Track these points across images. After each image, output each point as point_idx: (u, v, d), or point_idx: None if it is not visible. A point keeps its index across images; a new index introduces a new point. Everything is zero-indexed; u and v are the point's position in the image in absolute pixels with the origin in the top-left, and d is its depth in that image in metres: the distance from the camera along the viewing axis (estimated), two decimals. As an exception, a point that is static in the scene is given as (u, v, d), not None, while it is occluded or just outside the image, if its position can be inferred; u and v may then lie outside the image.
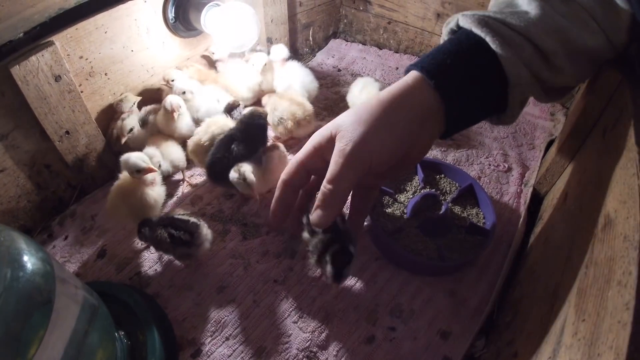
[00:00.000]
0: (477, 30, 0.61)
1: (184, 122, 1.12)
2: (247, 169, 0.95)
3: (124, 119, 1.08)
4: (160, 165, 1.03)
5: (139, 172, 0.93)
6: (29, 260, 0.58)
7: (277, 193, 0.73)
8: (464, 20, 0.63)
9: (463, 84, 0.62)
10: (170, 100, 1.06)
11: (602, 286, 0.43)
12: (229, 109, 1.14)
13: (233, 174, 0.95)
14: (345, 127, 0.62)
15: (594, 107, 0.79)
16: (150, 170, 0.92)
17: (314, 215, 0.65)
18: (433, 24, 1.47)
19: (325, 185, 0.63)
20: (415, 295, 0.92)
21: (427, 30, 1.49)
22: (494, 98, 0.64)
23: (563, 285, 0.56)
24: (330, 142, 0.64)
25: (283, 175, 0.71)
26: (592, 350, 0.35)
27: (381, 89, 1.26)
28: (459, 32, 0.66)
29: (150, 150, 1.04)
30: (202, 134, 1.06)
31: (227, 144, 1.01)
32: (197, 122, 1.15)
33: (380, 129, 0.61)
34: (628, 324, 0.32)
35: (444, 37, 0.71)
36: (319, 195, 0.64)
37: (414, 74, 0.64)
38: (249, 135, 1.02)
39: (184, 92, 1.13)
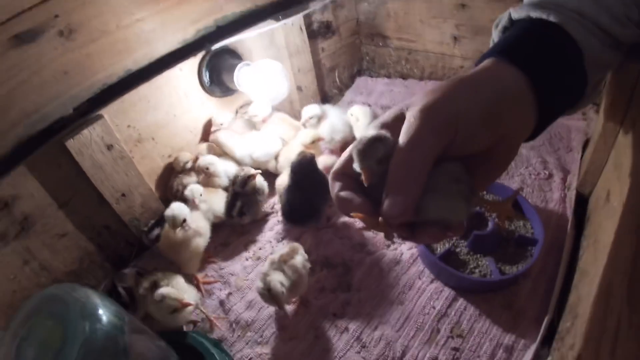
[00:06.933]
0: (535, 13, 0.57)
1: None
2: (274, 278, 0.90)
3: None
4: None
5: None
6: (105, 314, 0.63)
7: (333, 189, 0.51)
8: (518, 11, 0.60)
9: (538, 58, 0.53)
10: (191, 188, 1.11)
11: (650, 276, 0.44)
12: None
13: (258, 284, 0.91)
14: (418, 96, 0.49)
15: (620, 101, 0.79)
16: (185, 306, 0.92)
17: (385, 204, 0.45)
18: (452, 47, 1.51)
19: (395, 157, 0.46)
20: (474, 313, 0.92)
21: (447, 54, 1.53)
22: (572, 73, 0.57)
23: (615, 281, 0.55)
24: (398, 120, 0.48)
25: (335, 167, 0.52)
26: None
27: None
28: (515, 24, 0.61)
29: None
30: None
31: (298, 191, 1.09)
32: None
33: (464, 88, 0.48)
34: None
35: (495, 39, 0.66)
36: (388, 176, 0.46)
37: (482, 63, 0.54)
38: (306, 176, 1.09)
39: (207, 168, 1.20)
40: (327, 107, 1.39)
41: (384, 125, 0.49)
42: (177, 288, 0.93)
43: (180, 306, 0.89)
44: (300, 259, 0.95)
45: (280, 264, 0.93)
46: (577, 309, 0.74)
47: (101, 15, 0.97)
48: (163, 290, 0.90)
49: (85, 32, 0.96)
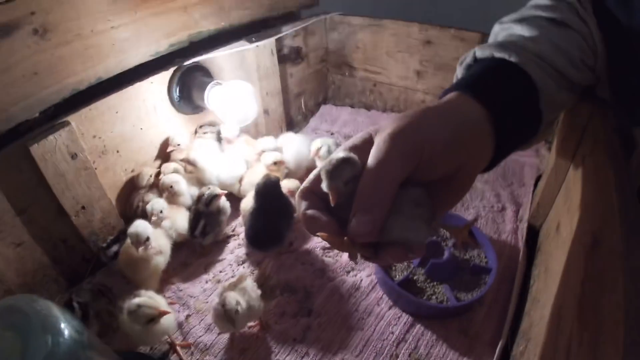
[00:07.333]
0: (499, 54, 0.61)
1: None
2: (230, 295, 0.88)
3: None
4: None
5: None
6: (66, 328, 0.61)
7: (300, 207, 0.52)
8: (482, 50, 0.65)
9: (498, 94, 0.57)
10: (153, 203, 1.10)
11: (598, 295, 0.48)
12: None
13: (214, 302, 0.91)
14: (387, 122, 0.51)
15: (571, 140, 0.86)
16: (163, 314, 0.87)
17: (353, 223, 0.46)
18: (415, 82, 1.59)
19: (363, 179, 0.47)
20: (431, 338, 0.94)
21: (410, 88, 1.61)
22: (529, 110, 0.62)
23: (565, 305, 0.60)
24: (367, 143, 0.50)
25: (302, 185, 0.53)
26: (597, 353, 0.40)
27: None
28: (479, 62, 0.65)
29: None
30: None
31: (262, 214, 1.09)
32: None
33: (430, 117, 0.51)
34: (621, 322, 0.37)
35: (459, 75, 0.70)
36: (356, 197, 0.47)
37: (447, 96, 0.58)
38: (271, 199, 1.09)
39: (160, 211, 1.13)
40: (291, 135, 1.42)
41: (353, 148, 0.51)
42: (152, 298, 0.90)
43: (157, 314, 0.85)
44: (249, 283, 0.94)
45: (231, 288, 0.92)
46: (529, 333, 0.78)
47: (78, 18, 0.95)
48: (138, 299, 0.86)
49: (60, 34, 0.93)
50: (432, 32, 1.47)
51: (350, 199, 0.47)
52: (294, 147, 1.35)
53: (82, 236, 1.08)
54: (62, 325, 0.60)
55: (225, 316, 0.86)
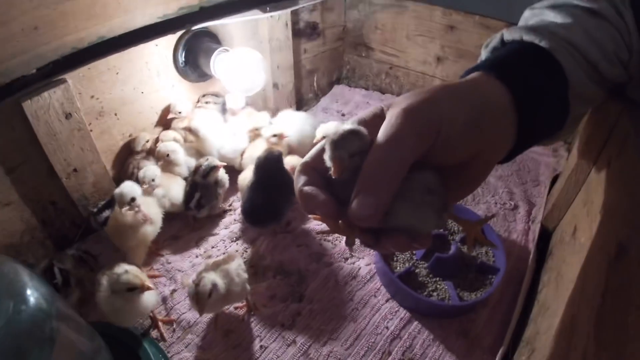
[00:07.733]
0: (528, 37, 0.56)
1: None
2: (208, 276, 0.82)
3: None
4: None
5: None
6: (32, 295, 0.56)
7: (298, 183, 0.47)
8: (511, 33, 0.60)
9: (525, 78, 0.52)
10: (145, 170, 1.05)
11: (622, 313, 0.42)
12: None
13: (190, 288, 0.84)
14: (401, 97, 0.46)
15: (596, 139, 0.79)
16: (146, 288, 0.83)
17: (354, 205, 0.42)
18: (433, 68, 1.51)
19: (370, 156, 0.42)
20: (428, 337, 0.89)
21: (428, 74, 1.53)
22: (556, 100, 0.56)
23: (580, 318, 0.54)
24: (378, 118, 0.46)
25: (304, 159, 0.49)
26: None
27: None
28: (506, 45, 0.60)
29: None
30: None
31: (261, 189, 1.03)
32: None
33: (450, 95, 0.46)
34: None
35: (483, 57, 0.64)
36: (360, 175, 0.42)
37: (469, 75, 0.53)
38: (272, 173, 1.04)
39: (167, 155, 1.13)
40: (292, 113, 1.36)
41: (362, 122, 0.46)
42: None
43: (140, 284, 0.80)
44: (234, 265, 0.88)
45: (214, 267, 0.87)
46: (534, 343, 0.73)
47: (86, -28, 0.90)
48: (126, 265, 0.82)
49: (65, -12, 0.88)
50: (455, 18, 1.40)
51: (353, 177, 0.42)
52: (297, 124, 1.29)
53: (72, 199, 1.04)
54: (28, 292, 0.55)
55: (196, 297, 0.80)
